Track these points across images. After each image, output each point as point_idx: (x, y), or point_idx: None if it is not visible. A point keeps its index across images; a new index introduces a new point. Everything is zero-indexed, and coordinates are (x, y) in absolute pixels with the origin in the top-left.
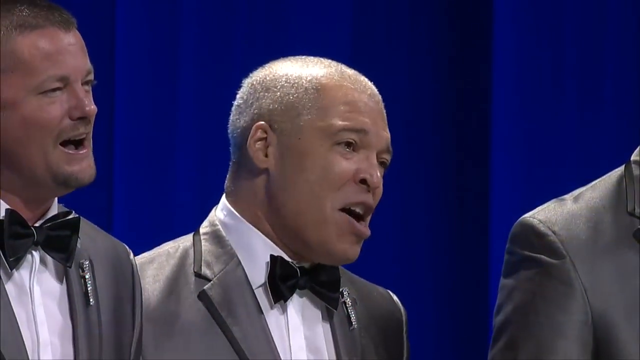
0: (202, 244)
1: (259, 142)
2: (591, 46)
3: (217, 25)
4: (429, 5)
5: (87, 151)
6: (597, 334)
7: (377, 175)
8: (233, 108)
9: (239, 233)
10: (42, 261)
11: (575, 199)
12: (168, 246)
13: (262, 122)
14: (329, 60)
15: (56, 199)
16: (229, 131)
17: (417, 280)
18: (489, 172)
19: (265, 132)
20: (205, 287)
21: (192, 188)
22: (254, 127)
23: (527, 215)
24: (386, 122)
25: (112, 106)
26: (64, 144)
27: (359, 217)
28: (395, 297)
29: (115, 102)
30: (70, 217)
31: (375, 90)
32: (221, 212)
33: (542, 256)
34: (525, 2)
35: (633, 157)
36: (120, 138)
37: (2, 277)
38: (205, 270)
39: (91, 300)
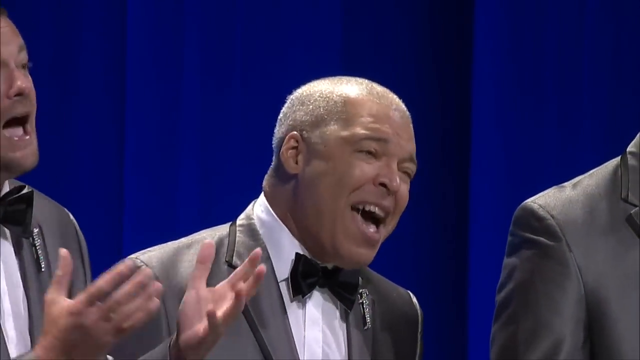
0: (237, 235)
1: (290, 151)
2: (570, 52)
3: (218, 34)
4: (413, 14)
5: (30, 138)
6: (590, 310)
7: (396, 180)
8: (277, 121)
9: (271, 229)
10: (1, 235)
11: (574, 186)
12: (205, 233)
13: (295, 132)
14: (363, 79)
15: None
16: (273, 139)
17: (400, 274)
18: (469, 174)
19: (297, 141)
20: None
21: (195, 188)
22: (287, 137)
23: (528, 200)
24: (411, 134)
25: (123, 113)
26: (9, 125)
27: (376, 222)
28: (414, 299)
29: (125, 109)
30: (25, 191)
31: (402, 105)
32: (259, 207)
33: (541, 238)
34: (506, 7)
35: (629, 149)
36: (130, 144)
37: None
38: (236, 261)
39: (42, 266)
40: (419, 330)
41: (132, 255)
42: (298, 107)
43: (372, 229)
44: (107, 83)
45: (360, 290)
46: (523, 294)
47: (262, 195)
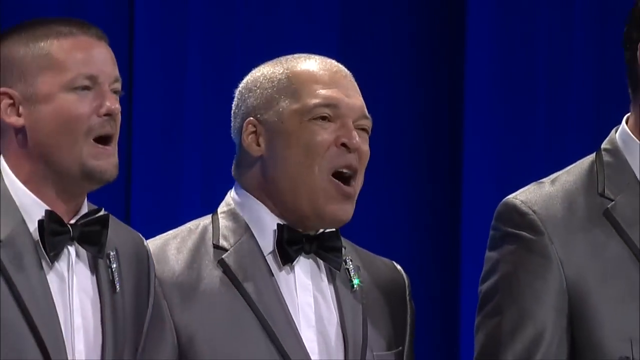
0: (220, 221)
1: (251, 135)
2: (559, 52)
3: (219, 33)
4: (408, 17)
5: (112, 149)
6: (572, 300)
7: (355, 137)
8: (232, 116)
9: (250, 209)
10: (77, 254)
11: (552, 182)
12: (190, 224)
13: (251, 118)
14: (299, 54)
15: (86, 199)
16: (232, 132)
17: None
18: (461, 168)
19: (255, 125)
20: (223, 256)
21: (197, 182)
22: (244, 124)
23: (510, 196)
24: (357, 91)
25: (130, 113)
26: (95, 141)
27: (347, 179)
28: (398, 266)
29: (133, 110)
30: (101, 214)
31: (342, 67)
32: (235, 193)
33: (524, 232)
34: (497, 12)
35: (603, 146)
36: (138, 141)
37: (45, 269)
38: (223, 242)
39: (117, 287)
40: (407, 292)
41: None
42: (247, 95)
43: (347, 186)
44: None
45: (345, 257)
46: (507, 286)
47: (235, 184)
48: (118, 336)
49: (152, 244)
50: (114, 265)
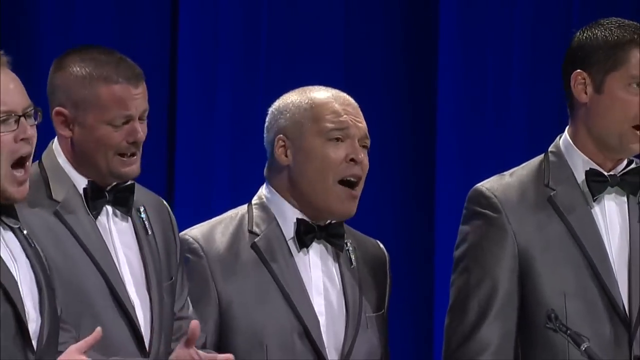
0: (254, 211)
1: (280, 149)
2: (505, 74)
3: (245, 51)
4: (393, 34)
5: (136, 157)
6: (522, 263)
7: (360, 154)
8: (265, 130)
9: (276, 204)
10: (114, 212)
11: (511, 174)
12: (231, 212)
13: (281, 135)
14: (320, 86)
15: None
16: (264, 142)
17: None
18: (435, 159)
19: (284, 141)
20: (255, 240)
21: (227, 176)
22: (276, 139)
23: (478, 184)
24: (362, 117)
25: (174, 127)
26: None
27: (352, 185)
28: (381, 245)
29: (176, 121)
30: (128, 183)
31: (352, 100)
32: (265, 190)
33: (487, 211)
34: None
35: (550, 149)
36: (180, 142)
37: (92, 221)
38: (256, 229)
39: (149, 231)
40: (388, 266)
41: (181, 232)
42: (278, 116)
43: (354, 190)
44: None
45: (346, 241)
46: (473, 251)
47: (266, 182)
48: (156, 266)
49: (202, 227)
50: (143, 216)
